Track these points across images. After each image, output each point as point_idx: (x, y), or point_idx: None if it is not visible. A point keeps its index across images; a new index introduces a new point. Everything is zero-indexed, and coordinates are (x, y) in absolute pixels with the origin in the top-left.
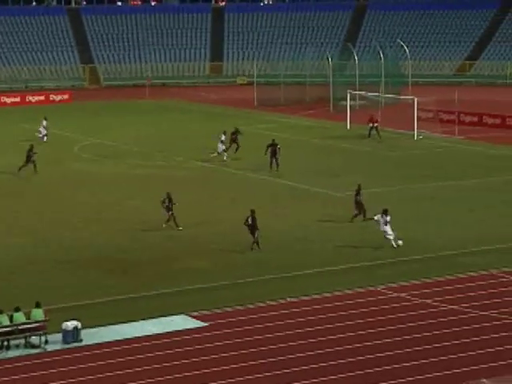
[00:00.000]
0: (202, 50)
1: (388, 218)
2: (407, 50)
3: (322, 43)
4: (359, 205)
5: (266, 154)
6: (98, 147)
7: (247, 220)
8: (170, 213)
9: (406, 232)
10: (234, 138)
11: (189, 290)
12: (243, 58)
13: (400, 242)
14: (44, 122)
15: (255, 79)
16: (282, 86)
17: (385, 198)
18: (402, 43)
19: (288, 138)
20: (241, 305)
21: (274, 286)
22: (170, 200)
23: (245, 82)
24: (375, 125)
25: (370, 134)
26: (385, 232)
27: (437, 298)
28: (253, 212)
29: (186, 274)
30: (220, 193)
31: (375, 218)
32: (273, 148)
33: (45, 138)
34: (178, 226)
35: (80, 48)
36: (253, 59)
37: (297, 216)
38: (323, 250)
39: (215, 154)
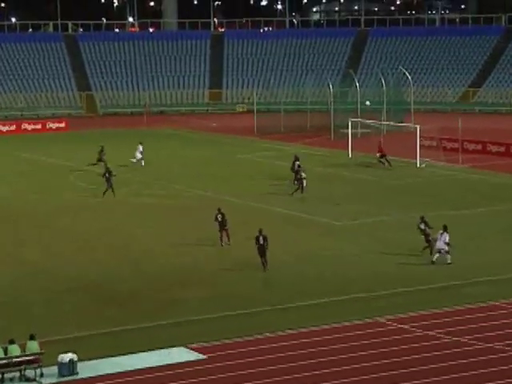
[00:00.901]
0: (201, 77)
1: (447, 237)
2: (409, 77)
3: (322, 70)
4: (425, 235)
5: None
6: (94, 176)
7: (257, 240)
8: (225, 228)
9: (408, 262)
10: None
11: (188, 321)
12: (243, 85)
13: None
14: (140, 147)
15: (255, 107)
16: (282, 113)
17: (384, 226)
18: (403, 70)
19: (288, 166)
20: (240, 336)
21: (272, 317)
22: (223, 216)
23: (244, 110)
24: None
25: (382, 162)
26: (441, 249)
27: (439, 330)
28: (261, 231)
29: (186, 305)
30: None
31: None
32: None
33: (142, 162)
34: (228, 240)
35: (77, 75)
36: (252, 86)
37: (294, 245)
38: (321, 281)
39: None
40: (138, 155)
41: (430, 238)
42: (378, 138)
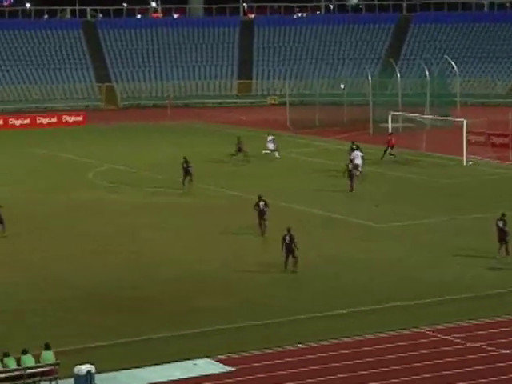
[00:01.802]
0: (230, 67)
1: None
2: (455, 67)
3: (361, 59)
4: (503, 234)
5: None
6: (114, 173)
7: (284, 239)
8: (263, 217)
9: (453, 268)
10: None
11: (211, 331)
12: (274, 76)
13: None
14: (269, 137)
15: (287, 99)
16: (316, 106)
17: (428, 229)
18: (449, 59)
19: (323, 163)
20: (270, 347)
21: (303, 327)
22: (266, 203)
23: (276, 102)
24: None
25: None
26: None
27: (486, 342)
28: (289, 230)
29: (207, 314)
30: (246, 223)
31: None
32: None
33: (276, 153)
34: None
35: (96, 65)
36: (285, 77)
37: (330, 249)
38: (356, 288)
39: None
40: (270, 145)
41: (508, 239)
42: (387, 133)
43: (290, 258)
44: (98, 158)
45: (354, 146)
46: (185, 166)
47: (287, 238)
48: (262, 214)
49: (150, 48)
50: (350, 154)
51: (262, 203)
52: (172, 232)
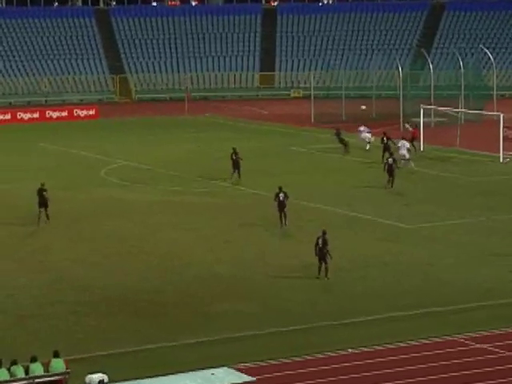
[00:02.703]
0: (251, 58)
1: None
2: (492, 58)
3: (390, 49)
4: None
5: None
6: (128, 170)
7: (317, 243)
8: (284, 209)
9: (488, 271)
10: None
11: (231, 338)
12: (298, 68)
13: None
14: (362, 128)
15: (312, 92)
16: (343, 99)
17: (462, 230)
18: (485, 49)
19: (350, 159)
20: (295, 356)
21: (328, 334)
22: (286, 195)
23: (300, 96)
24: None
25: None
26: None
27: None
28: (324, 233)
29: (228, 319)
30: (269, 223)
31: None
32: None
33: (368, 146)
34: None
35: (109, 56)
36: (309, 68)
37: (356, 251)
38: (386, 292)
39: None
40: (366, 135)
41: None
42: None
43: (323, 264)
44: (111, 155)
45: (385, 138)
46: (234, 157)
47: (320, 241)
48: (281, 206)
49: (166, 38)
50: (396, 144)
51: (281, 195)
52: (192, 232)
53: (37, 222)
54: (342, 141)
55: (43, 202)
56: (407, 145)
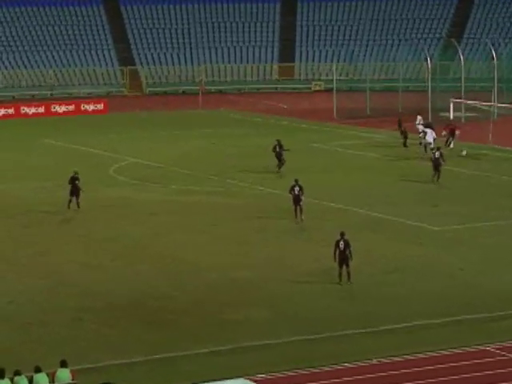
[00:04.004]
0: (269, 49)
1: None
2: None
3: (418, 39)
4: None
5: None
6: (138, 168)
7: (338, 245)
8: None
9: None
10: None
11: (246, 347)
12: (320, 59)
13: None
14: (419, 119)
15: (334, 85)
16: (367, 93)
17: (496, 233)
18: None
19: (375, 157)
20: (313, 367)
21: (351, 343)
22: (301, 188)
23: (321, 89)
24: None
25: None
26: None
27: None
28: (343, 235)
29: (242, 327)
30: (286, 225)
31: None
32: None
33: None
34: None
35: (118, 46)
36: (332, 60)
37: (382, 254)
38: (412, 299)
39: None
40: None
41: None
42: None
43: (344, 267)
44: (120, 152)
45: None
46: (277, 150)
47: (341, 244)
48: (297, 200)
49: (179, 27)
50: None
51: (297, 188)
52: (205, 235)
53: (67, 207)
54: (403, 133)
55: (75, 191)
56: (434, 134)
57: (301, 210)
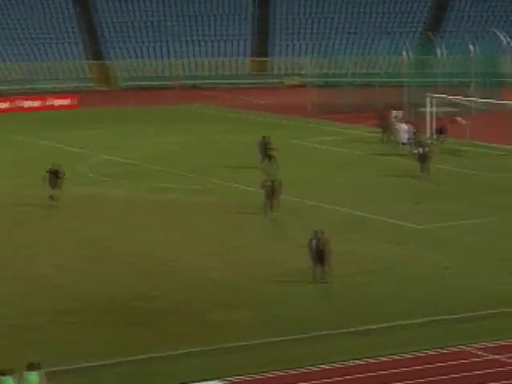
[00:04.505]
0: (242, 43)
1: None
2: (505, 41)
3: (394, 33)
4: None
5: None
6: (110, 165)
7: (311, 244)
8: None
9: (501, 276)
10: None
11: (226, 348)
12: (294, 52)
13: None
14: (393, 114)
15: (310, 79)
16: (345, 87)
17: (476, 231)
18: (498, 33)
19: (355, 153)
20: (292, 368)
21: (332, 343)
22: (273, 183)
23: (296, 83)
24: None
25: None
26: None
27: None
28: (316, 233)
29: (223, 329)
30: (266, 225)
31: None
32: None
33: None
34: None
35: (87, 39)
36: (307, 54)
37: (363, 253)
38: (395, 299)
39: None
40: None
41: None
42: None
43: (319, 267)
44: (91, 148)
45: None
46: (266, 147)
47: (313, 242)
48: (271, 194)
49: (151, 19)
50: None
51: (269, 183)
52: (182, 234)
53: (50, 201)
54: (383, 128)
55: (55, 184)
56: (411, 128)
57: (273, 205)
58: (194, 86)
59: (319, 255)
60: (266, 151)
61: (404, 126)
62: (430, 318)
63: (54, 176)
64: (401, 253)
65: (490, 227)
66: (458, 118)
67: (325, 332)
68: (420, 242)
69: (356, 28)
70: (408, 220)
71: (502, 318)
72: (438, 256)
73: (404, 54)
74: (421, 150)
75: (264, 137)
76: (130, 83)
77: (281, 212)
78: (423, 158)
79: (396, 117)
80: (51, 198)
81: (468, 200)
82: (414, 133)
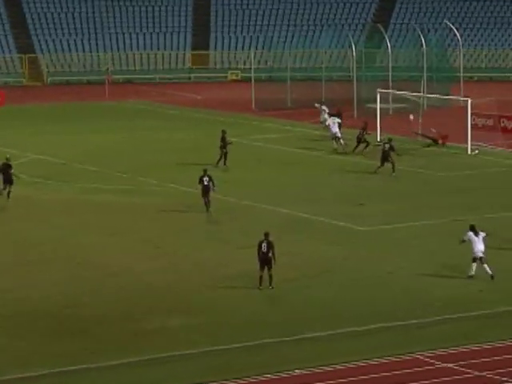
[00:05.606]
0: (181, 35)
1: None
2: (458, 35)
3: (342, 25)
4: None
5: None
6: (39, 165)
7: (260, 247)
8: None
9: (454, 281)
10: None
11: (164, 357)
12: (236, 46)
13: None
14: (323, 108)
15: (253, 74)
16: (288, 82)
17: (425, 233)
18: (450, 25)
19: (298, 152)
20: (239, 378)
21: (274, 352)
22: (210, 179)
23: (238, 78)
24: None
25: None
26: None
27: (497, 371)
28: (267, 235)
29: (160, 337)
30: (202, 227)
31: (464, 238)
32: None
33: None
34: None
35: (16, 32)
36: (249, 47)
37: (306, 257)
38: (340, 304)
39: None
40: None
41: None
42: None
43: (266, 271)
44: (19, 147)
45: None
46: (222, 143)
47: (264, 245)
48: (206, 190)
49: (83, 12)
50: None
51: (206, 178)
52: (115, 237)
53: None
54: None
55: (8, 179)
56: (338, 121)
57: (209, 201)
58: (129, 81)
59: (265, 259)
60: (221, 146)
61: (332, 120)
62: (377, 324)
63: (6, 171)
64: (344, 255)
65: (436, 229)
66: (411, 116)
67: (266, 340)
68: (364, 244)
69: (298, 20)
70: (351, 222)
71: (450, 324)
72: (382, 259)
73: (349, 46)
74: (387, 146)
75: (223, 130)
76: (58, 78)
77: (211, 211)
78: (385, 155)
79: (324, 111)
80: (5, 193)
81: (415, 201)
82: (363, 129)
